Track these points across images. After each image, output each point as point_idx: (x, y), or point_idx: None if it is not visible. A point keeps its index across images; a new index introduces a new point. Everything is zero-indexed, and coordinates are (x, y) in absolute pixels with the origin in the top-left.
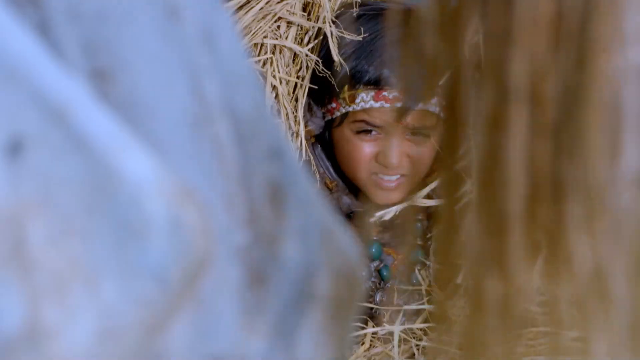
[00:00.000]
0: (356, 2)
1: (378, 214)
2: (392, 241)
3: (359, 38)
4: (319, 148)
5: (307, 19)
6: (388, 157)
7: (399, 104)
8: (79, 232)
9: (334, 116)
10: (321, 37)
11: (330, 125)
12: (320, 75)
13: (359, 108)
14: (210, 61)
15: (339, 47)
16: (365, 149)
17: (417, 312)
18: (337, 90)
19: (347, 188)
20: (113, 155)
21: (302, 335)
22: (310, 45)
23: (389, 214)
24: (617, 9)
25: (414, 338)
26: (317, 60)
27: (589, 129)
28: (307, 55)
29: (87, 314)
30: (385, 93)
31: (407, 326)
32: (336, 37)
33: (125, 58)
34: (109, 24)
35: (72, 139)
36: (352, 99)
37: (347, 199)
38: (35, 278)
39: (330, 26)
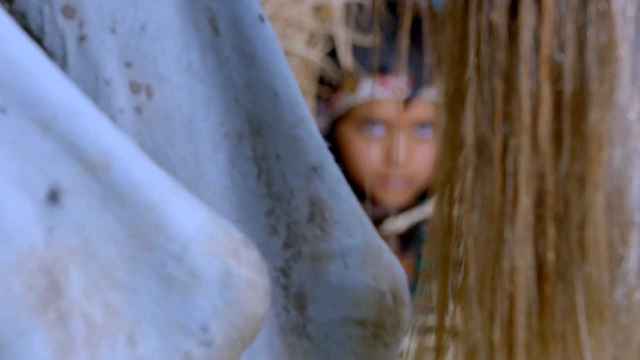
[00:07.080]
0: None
1: (385, 223)
2: (398, 249)
3: (368, 44)
4: None
5: (318, 24)
6: (394, 154)
7: (403, 94)
8: (119, 282)
9: (338, 109)
10: (331, 41)
11: (335, 125)
12: (329, 76)
13: (362, 97)
14: (248, 77)
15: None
16: (370, 149)
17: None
18: (342, 81)
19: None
20: (157, 206)
21: (343, 356)
22: (320, 50)
23: (395, 222)
24: (611, 102)
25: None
26: (326, 65)
27: (593, 222)
28: (317, 60)
29: None
30: (388, 81)
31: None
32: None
33: (163, 72)
34: (148, 38)
35: (112, 189)
36: (356, 88)
37: None
38: (67, 326)
39: (340, 31)
